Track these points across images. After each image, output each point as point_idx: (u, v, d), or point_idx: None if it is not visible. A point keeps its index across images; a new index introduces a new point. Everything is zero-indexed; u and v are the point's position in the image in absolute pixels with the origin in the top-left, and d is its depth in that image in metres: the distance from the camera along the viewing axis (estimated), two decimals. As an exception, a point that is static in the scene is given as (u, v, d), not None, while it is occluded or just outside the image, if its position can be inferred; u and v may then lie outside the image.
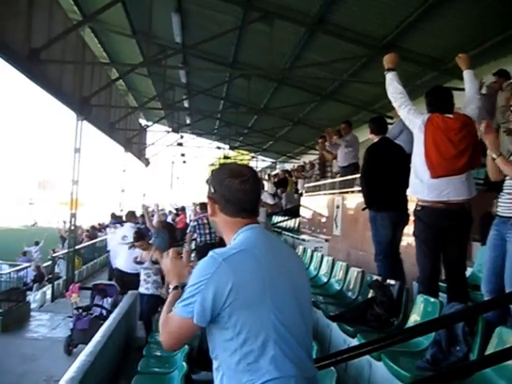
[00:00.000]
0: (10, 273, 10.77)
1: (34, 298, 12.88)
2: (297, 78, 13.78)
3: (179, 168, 38.31)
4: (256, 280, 1.94)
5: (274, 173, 25.71)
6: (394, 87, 4.50)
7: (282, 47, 11.52)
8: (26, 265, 13.04)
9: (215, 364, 2.00)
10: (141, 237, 7.91)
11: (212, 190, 2.15)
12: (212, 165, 38.03)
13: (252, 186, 2.12)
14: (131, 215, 11.36)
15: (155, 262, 7.38)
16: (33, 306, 11.69)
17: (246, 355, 1.89)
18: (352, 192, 8.64)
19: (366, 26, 9.84)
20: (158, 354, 5.84)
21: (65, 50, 12.25)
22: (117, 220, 14.68)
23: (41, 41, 10.41)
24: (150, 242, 8.37)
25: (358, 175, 7.24)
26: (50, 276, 16.19)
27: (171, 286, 2.21)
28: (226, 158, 30.87)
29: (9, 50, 9.51)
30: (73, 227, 14.56)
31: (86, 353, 4.58)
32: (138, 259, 7.80)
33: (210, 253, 2.00)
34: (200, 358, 4.72)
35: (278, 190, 16.69)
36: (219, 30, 11.22)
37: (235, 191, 2.08)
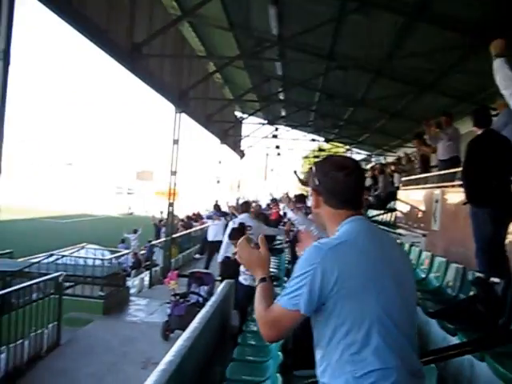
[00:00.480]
0: (111, 259, 11.25)
1: (132, 283, 13.40)
2: (394, 70, 13.44)
3: (273, 160, 38.47)
4: (360, 270, 1.93)
5: (369, 166, 25.30)
6: (503, 73, 4.28)
7: (379, 38, 11.24)
8: (126, 251, 13.57)
9: (318, 354, 2.01)
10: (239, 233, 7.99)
11: (316, 182, 2.15)
12: (306, 157, 37.93)
13: (356, 178, 2.12)
14: (247, 205, 11.10)
15: None
16: (131, 291, 12.17)
17: (349, 345, 1.89)
18: (452, 186, 8.33)
19: (469, 14, 9.42)
20: (253, 342, 5.92)
21: (164, 45, 12.65)
22: (219, 211, 14.98)
23: (142, 36, 10.79)
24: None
25: (459, 169, 6.97)
26: (147, 263, 16.79)
27: (257, 278, 2.17)
28: (320, 150, 30.71)
29: (113, 45, 9.95)
30: (170, 217, 15.05)
31: (183, 338, 4.70)
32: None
33: (314, 243, 2.01)
34: (296, 351, 4.73)
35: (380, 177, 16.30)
36: (316, 22, 11.11)
37: (340, 183, 2.08)
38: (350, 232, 2.02)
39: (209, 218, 14.16)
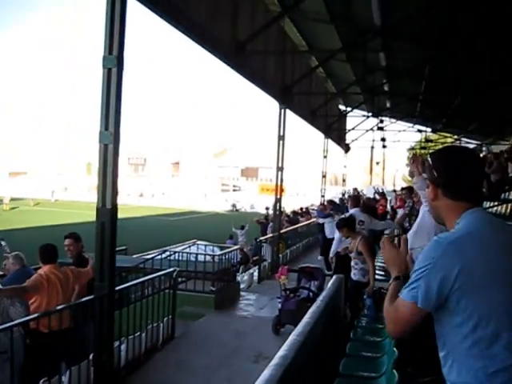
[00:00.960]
0: (222, 254, 11.49)
1: (241, 278, 13.62)
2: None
3: (378, 153, 37.80)
4: (483, 263, 1.86)
5: (481, 155, 24.22)
6: None
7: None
8: (235, 247, 13.79)
9: (442, 352, 1.97)
10: (345, 224, 7.94)
11: (434, 174, 2.08)
12: (412, 149, 36.94)
13: (476, 169, 2.06)
14: (357, 199, 10.94)
15: (360, 253, 7.37)
16: (241, 286, 12.37)
17: (479, 341, 1.83)
18: None
19: None
20: (366, 337, 5.85)
21: (267, 41, 12.75)
22: (335, 206, 14.82)
23: (245, 34, 10.94)
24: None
25: None
26: (255, 258, 17.02)
27: (392, 276, 2.17)
28: (427, 141, 29.82)
29: (218, 44, 10.16)
30: (278, 213, 15.16)
31: (296, 332, 4.70)
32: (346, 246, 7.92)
33: (435, 237, 1.96)
34: (412, 348, 4.60)
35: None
36: (419, 10, 10.76)
37: (459, 174, 2.01)
38: (471, 225, 1.95)
39: (326, 216, 13.85)
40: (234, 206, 69.24)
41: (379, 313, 6.22)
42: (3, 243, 8.67)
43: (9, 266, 7.23)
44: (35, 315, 5.65)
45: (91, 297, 5.97)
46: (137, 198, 72.44)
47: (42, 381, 5.35)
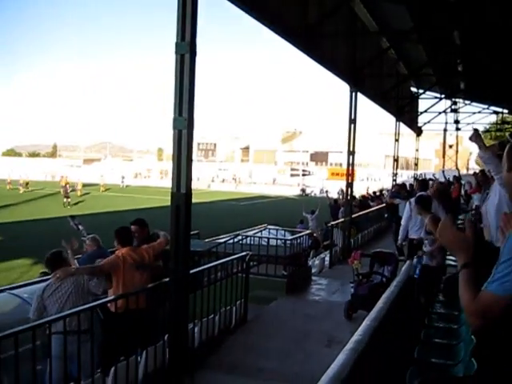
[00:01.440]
0: (293, 239, 11.51)
1: (313, 263, 13.61)
2: None
3: (452, 136, 36.59)
4: None
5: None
6: None
7: None
8: (306, 232, 13.77)
9: None
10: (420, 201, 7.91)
11: None
12: (487, 131, 35.59)
13: None
14: (424, 184, 10.66)
15: (429, 233, 7.21)
16: (312, 270, 12.35)
17: None
18: None
19: None
20: (441, 324, 5.72)
21: (337, 24, 12.55)
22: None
23: (315, 17, 10.81)
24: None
25: None
26: (326, 243, 16.94)
27: (459, 263, 2.02)
28: (503, 122, 28.68)
29: (288, 28, 10.09)
30: (349, 197, 15.03)
31: (370, 318, 4.65)
32: None
33: None
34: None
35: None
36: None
37: None
38: None
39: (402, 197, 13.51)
40: (303, 190, 69.19)
41: (455, 299, 6.06)
42: (81, 227, 8.98)
43: (85, 248, 7.55)
44: (113, 297, 5.86)
45: (166, 279, 6.10)
46: (207, 182, 73.60)
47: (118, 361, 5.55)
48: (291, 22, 10.14)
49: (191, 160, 5.71)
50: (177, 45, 5.77)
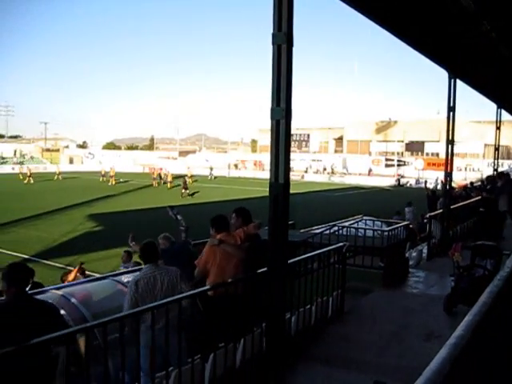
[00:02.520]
0: (390, 230, 11.32)
1: (410, 255, 13.31)
2: None
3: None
4: None
5: None
6: None
7: None
8: (404, 223, 13.49)
9: None
10: None
11: None
12: None
13: None
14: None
15: None
16: (410, 262, 12.09)
17: None
18: None
19: None
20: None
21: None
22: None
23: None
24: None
25: None
26: (423, 235, 16.49)
27: None
28: None
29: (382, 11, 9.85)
30: (448, 188, 14.53)
31: (473, 312, 4.49)
32: None
33: None
34: None
35: None
36: None
37: None
38: None
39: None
40: (398, 181, 67.79)
41: None
42: (179, 217, 9.26)
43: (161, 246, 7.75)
44: (209, 286, 6.01)
45: (264, 269, 6.17)
46: (301, 173, 73.66)
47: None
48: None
49: (289, 150, 5.74)
50: (273, 35, 5.78)
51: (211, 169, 69.73)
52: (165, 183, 52.70)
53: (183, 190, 42.47)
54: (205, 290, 6.07)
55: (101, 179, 57.77)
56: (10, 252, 18.76)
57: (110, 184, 53.93)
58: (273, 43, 5.78)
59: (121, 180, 57.37)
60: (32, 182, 54.84)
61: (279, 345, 6.20)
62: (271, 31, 5.80)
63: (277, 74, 5.71)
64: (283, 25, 5.74)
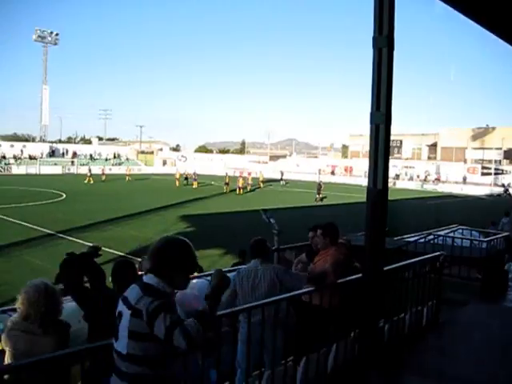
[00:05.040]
0: (489, 241, 10.88)
1: (509, 267, 12.72)
2: None
3: None
4: None
5: None
6: None
7: None
8: (503, 234, 12.91)
9: None
10: None
11: None
12: None
13: None
14: None
15: None
16: (509, 275, 11.55)
17: None
18: None
19: None
20: None
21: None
22: None
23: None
24: None
25: None
26: (523, 247, 15.72)
27: None
28: None
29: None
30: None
31: None
32: None
33: None
34: None
35: None
36: None
37: None
38: None
39: None
40: (506, 190, 65.15)
41: None
42: (272, 220, 9.31)
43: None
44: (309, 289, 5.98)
45: (359, 275, 6.11)
46: (392, 180, 72.33)
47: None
48: None
49: (388, 155, 5.65)
50: (374, 39, 5.72)
51: (282, 173, 69.05)
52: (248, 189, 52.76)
53: (317, 196, 42.63)
54: (303, 292, 6.05)
55: (185, 182, 59.10)
56: (106, 249, 19.54)
57: (193, 187, 55.08)
58: (373, 47, 5.72)
59: (208, 183, 58.58)
60: (92, 182, 56.70)
61: (372, 352, 6.11)
62: (371, 35, 5.75)
63: (377, 78, 5.65)
64: (384, 28, 5.67)
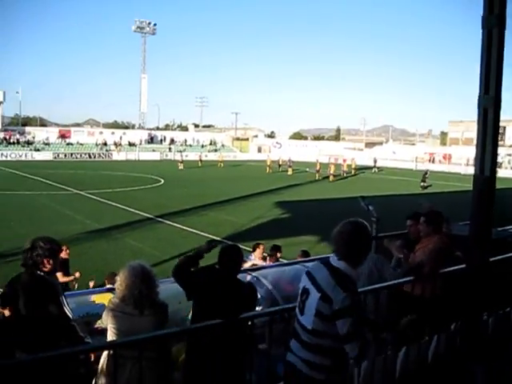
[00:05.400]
0: None
1: None
2: None
3: None
4: None
5: None
6: None
7: None
8: None
9: None
10: None
11: None
12: None
13: None
14: None
15: None
16: None
17: None
18: None
19: None
20: None
21: None
22: None
23: None
24: None
25: None
26: None
27: None
28: None
29: None
30: None
31: None
32: None
33: None
34: None
35: None
36: None
37: None
38: None
39: None
40: None
41: None
42: (371, 208, 9.14)
43: None
44: (408, 278, 5.83)
45: (462, 266, 5.90)
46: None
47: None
48: None
49: (497, 141, 5.36)
50: (484, 18, 5.44)
51: (375, 161, 67.16)
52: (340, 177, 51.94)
53: (422, 184, 41.74)
54: (404, 281, 5.90)
55: (279, 168, 59.15)
56: (203, 233, 20.08)
57: (288, 173, 55.03)
58: (483, 27, 5.43)
59: (302, 169, 58.38)
60: (183, 168, 57.82)
61: (474, 344, 5.88)
62: (481, 14, 5.47)
63: (486, 60, 5.37)
64: (495, 6, 5.37)
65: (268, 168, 58.49)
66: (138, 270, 4.68)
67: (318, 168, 50.99)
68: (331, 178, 48.88)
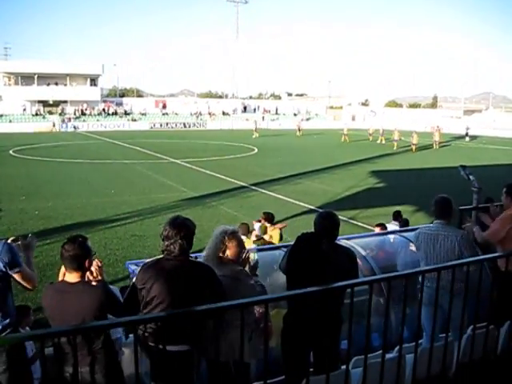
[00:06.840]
0: None
1: None
2: None
3: None
4: None
5: None
6: None
7: None
8: None
9: None
10: None
11: None
12: None
13: None
14: None
15: None
16: None
17: None
18: None
19: None
20: None
21: None
22: None
23: None
24: None
25: None
26: None
27: None
28: None
29: None
30: None
31: None
32: None
33: None
34: None
35: None
36: None
37: None
38: None
39: None
40: None
41: None
42: (471, 177, 8.71)
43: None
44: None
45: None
46: None
47: None
48: None
49: None
50: None
51: (467, 128, 62.96)
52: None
53: None
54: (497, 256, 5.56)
55: (370, 138, 57.32)
56: (296, 202, 20.07)
57: (382, 142, 53.29)
58: None
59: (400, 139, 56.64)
60: (258, 135, 57.23)
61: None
62: None
63: None
64: None
65: (370, 137, 57.09)
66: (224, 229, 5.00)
67: (396, 137, 48.00)
68: (413, 148, 45.75)
